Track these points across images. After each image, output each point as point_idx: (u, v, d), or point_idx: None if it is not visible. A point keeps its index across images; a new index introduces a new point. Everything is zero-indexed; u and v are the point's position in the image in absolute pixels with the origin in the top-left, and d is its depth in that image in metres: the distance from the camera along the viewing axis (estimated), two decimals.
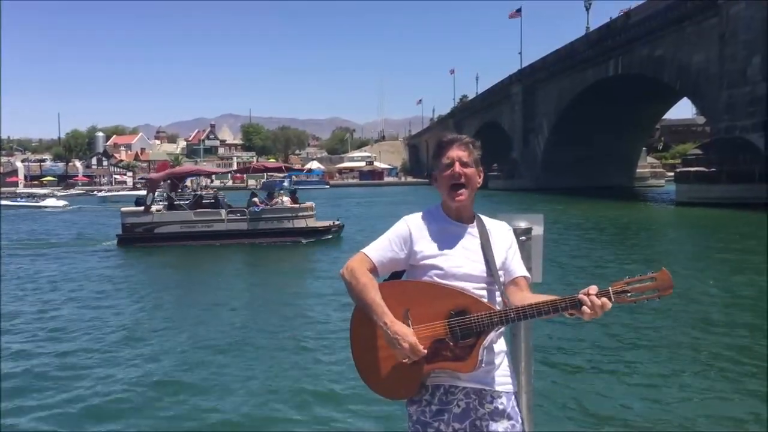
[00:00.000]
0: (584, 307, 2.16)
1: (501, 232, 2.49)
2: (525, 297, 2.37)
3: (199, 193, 25.51)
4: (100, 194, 68.84)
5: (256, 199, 22.25)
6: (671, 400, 6.27)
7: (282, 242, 21.39)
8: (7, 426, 6.06)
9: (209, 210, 22.09)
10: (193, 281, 15.48)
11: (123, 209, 23.55)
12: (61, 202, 51.63)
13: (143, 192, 65.88)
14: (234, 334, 9.43)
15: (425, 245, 2.40)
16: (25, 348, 8.89)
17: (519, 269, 2.46)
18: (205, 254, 19.91)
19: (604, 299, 2.17)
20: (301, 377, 7.30)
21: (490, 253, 2.39)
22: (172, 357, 8.29)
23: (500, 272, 2.41)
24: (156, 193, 24.08)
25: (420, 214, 2.50)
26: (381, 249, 2.42)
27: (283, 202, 22.67)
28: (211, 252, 20.20)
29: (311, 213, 22.50)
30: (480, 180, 2.46)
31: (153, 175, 27.09)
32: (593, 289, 2.18)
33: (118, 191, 75.06)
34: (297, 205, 22.57)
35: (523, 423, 2.41)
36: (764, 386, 6.35)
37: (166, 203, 23.00)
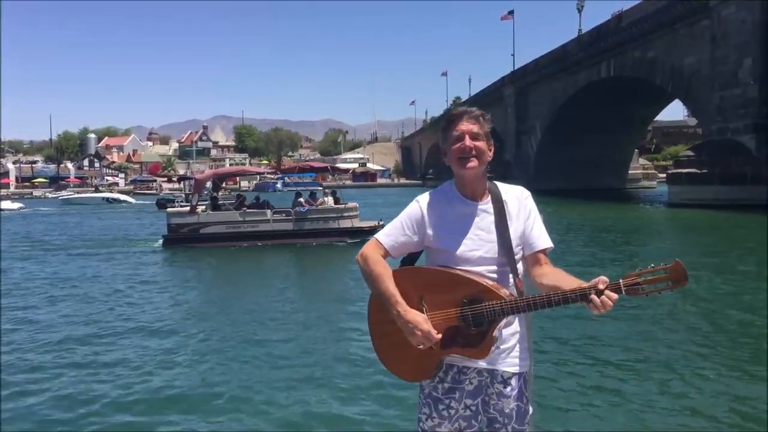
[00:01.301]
0: (591, 304, 2.14)
1: (518, 201, 2.43)
2: (543, 274, 2.36)
3: (243, 194, 25.77)
4: (62, 197, 66.41)
5: (301, 200, 22.33)
6: (669, 400, 6.27)
7: (327, 242, 21.42)
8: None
9: (256, 210, 22.17)
10: (248, 282, 15.19)
11: (169, 210, 23.44)
12: (16, 205, 51.34)
13: (108, 194, 65.14)
14: (288, 332, 9.36)
15: (438, 229, 2.39)
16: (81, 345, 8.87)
17: (538, 240, 2.42)
18: (252, 255, 19.80)
19: (610, 293, 2.13)
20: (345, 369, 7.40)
21: (505, 229, 2.36)
22: (227, 360, 8.13)
23: (518, 248, 2.39)
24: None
25: (432, 192, 2.47)
26: (393, 234, 2.43)
27: (327, 202, 22.72)
28: (258, 252, 20.12)
29: (355, 213, 22.51)
30: (491, 153, 2.40)
31: (199, 175, 27.27)
32: (603, 282, 2.14)
33: (82, 193, 73.28)
34: (341, 206, 22.62)
35: (528, 404, 2.43)
36: (764, 386, 6.36)
37: (209, 203, 22.94)
